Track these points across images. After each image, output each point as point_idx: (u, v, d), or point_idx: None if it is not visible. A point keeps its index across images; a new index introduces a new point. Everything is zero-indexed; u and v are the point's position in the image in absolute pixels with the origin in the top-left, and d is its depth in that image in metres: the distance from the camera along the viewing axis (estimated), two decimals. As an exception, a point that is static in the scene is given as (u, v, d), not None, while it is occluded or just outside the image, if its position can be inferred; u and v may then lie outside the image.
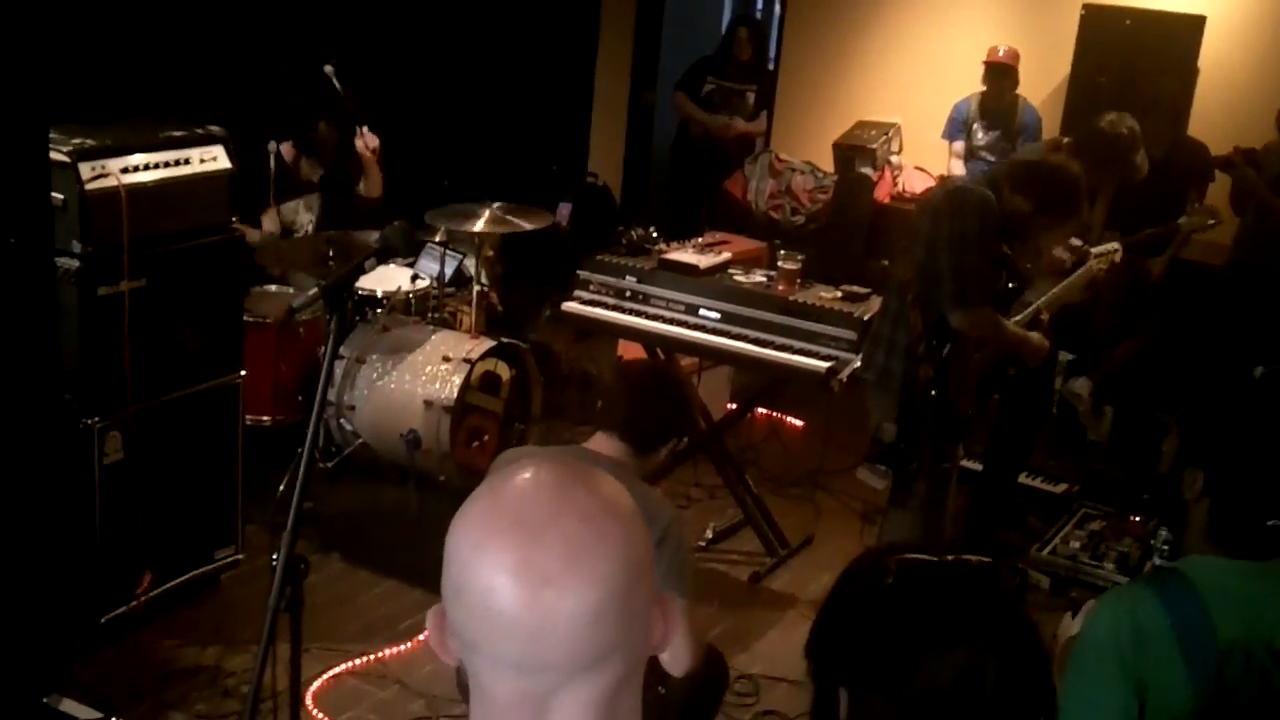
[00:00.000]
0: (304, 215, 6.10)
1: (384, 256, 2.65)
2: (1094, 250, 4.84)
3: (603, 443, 3.17)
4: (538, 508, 1.13)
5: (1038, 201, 4.14)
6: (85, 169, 4.00)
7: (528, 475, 1.17)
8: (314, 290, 2.70)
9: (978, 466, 5.65)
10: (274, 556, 2.44)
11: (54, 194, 3.91)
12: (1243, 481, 2.23)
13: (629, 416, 3.16)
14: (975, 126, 7.48)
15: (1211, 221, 5.82)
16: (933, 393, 4.10)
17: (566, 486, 1.15)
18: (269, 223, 5.93)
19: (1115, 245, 4.87)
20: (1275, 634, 2.18)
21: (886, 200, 7.90)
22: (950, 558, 1.47)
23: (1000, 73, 7.32)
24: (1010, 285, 4.39)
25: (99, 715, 2.78)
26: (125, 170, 4.12)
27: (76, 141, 4.04)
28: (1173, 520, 2.40)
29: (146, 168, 4.20)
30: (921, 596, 1.45)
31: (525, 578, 1.10)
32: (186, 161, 4.35)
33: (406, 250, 2.83)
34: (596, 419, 3.25)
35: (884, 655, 1.43)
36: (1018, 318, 4.39)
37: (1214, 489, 2.24)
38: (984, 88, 7.40)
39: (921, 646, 1.42)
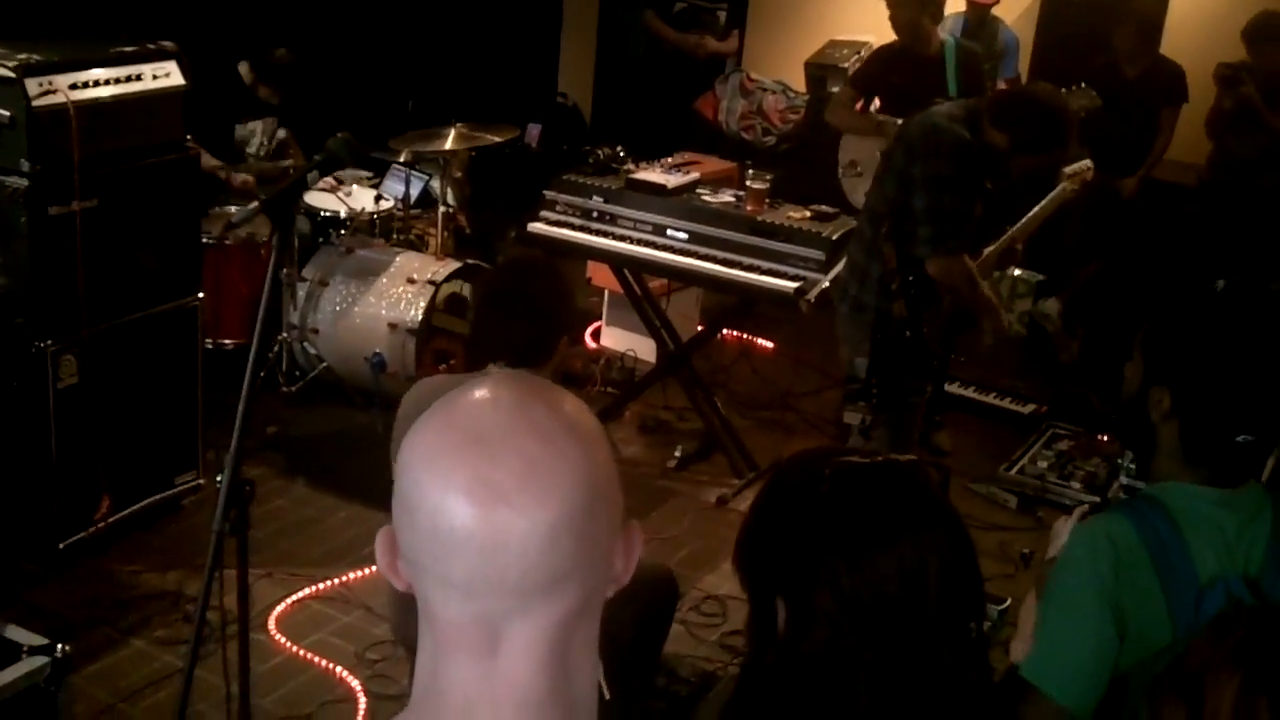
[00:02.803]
0: (258, 138, 5.98)
1: (327, 168, 2.57)
2: (1065, 170, 4.75)
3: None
4: (495, 424, 1.08)
5: (1014, 138, 3.98)
6: (32, 85, 3.90)
7: (485, 392, 1.12)
8: (254, 204, 2.61)
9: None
10: (218, 479, 2.39)
11: (0, 110, 3.83)
12: (1211, 396, 2.17)
13: (504, 336, 2.85)
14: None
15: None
16: (907, 333, 4.03)
17: (526, 403, 1.10)
18: (239, 180, 5.74)
19: (1087, 163, 4.75)
20: (1249, 563, 2.15)
21: (859, 120, 7.79)
22: (879, 459, 1.45)
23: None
24: (983, 215, 4.32)
25: (45, 641, 2.74)
26: (74, 86, 4.01)
27: (22, 57, 3.93)
28: (1139, 444, 2.34)
29: (97, 84, 4.09)
30: (861, 497, 1.43)
31: (478, 495, 1.05)
32: (139, 78, 4.24)
33: (351, 161, 2.73)
34: (480, 353, 2.89)
35: (827, 559, 1.41)
36: (991, 248, 4.32)
37: (1182, 407, 2.20)
38: (964, 7, 7.26)
39: (866, 546, 1.40)
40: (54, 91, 3.94)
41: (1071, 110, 4.17)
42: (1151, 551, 2.13)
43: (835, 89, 7.71)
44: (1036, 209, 4.56)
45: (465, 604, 1.09)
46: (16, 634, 2.76)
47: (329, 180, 5.76)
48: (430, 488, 1.07)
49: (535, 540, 1.06)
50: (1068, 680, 2.14)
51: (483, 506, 1.05)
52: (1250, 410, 2.17)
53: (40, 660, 2.68)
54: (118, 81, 4.17)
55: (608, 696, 1.17)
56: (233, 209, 5.72)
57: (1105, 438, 5.53)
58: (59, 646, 2.72)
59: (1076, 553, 2.19)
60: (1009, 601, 4.29)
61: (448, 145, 5.59)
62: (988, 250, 4.29)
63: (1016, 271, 6.47)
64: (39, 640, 2.73)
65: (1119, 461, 4.85)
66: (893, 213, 4.05)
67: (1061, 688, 2.13)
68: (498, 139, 5.67)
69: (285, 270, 5.45)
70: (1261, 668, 1.27)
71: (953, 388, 5.95)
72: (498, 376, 1.17)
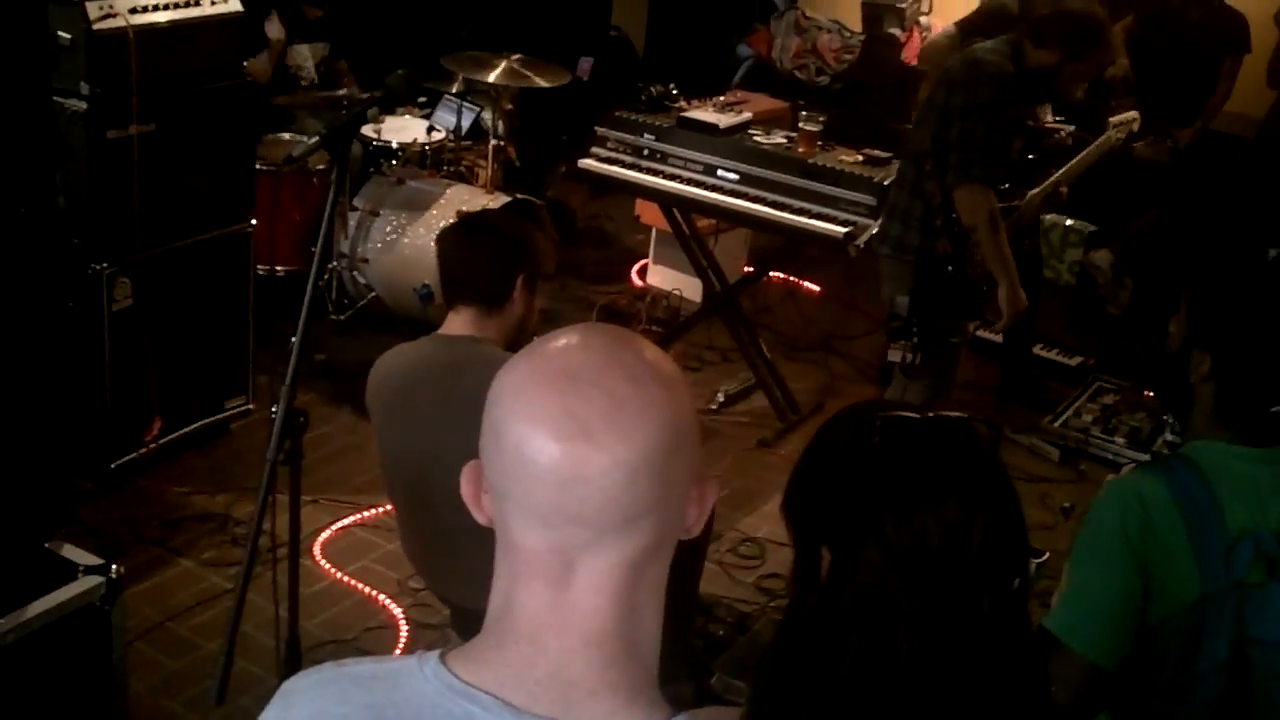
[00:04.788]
0: (309, 61, 5.97)
1: (387, 104, 2.59)
2: (1112, 120, 4.70)
3: (455, 322, 3.08)
4: (585, 364, 1.13)
5: (1060, 48, 4.03)
6: (92, 8, 3.92)
7: (576, 336, 1.17)
8: (315, 139, 2.63)
9: (997, 338, 5.59)
10: (273, 409, 2.43)
11: (60, 33, 3.86)
12: (1250, 366, 2.17)
13: (463, 279, 3.06)
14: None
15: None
16: (949, 268, 4.02)
17: (615, 348, 1.15)
18: (273, 30, 5.72)
19: (1134, 114, 4.70)
20: None
21: (914, 62, 7.71)
22: (930, 414, 1.45)
23: None
24: (1030, 156, 4.28)
25: (99, 561, 2.79)
26: (134, 10, 4.03)
27: (83, -20, 3.94)
28: (1176, 402, 2.35)
29: (155, 8, 4.10)
30: (909, 452, 1.43)
31: (564, 427, 1.09)
32: (196, 2, 4.25)
33: (409, 97, 2.75)
34: (444, 300, 3.14)
35: (874, 511, 1.42)
36: (1035, 190, 4.29)
37: (1220, 373, 2.19)
38: None
39: (913, 501, 1.41)
40: (114, 15, 3.96)
41: (1102, 11, 4.16)
42: (1182, 509, 2.15)
43: (892, 29, 7.63)
44: (1082, 154, 4.54)
45: (543, 533, 1.12)
46: (73, 553, 2.82)
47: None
48: (518, 418, 1.11)
49: (616, 477, 1.10)
50: (1093, 634, 2.17)
51: (568, 440, 1.09)
52: None
53: (95, 579, 2.73)
54: (175, 6, 4.18)
55: None
56: (286, 135, 5.75)
57: (1151, 393, 5.50)
58: (113, 566, 2.78)
59: (1107, 509, 2.21)
60: (1047, 555, 4.29)
61: (496, 77, 5.55)
62: (1031, 193, 4.27)
63: (1069, 221, 6.43)
64: (94, 560, 2.79)
65: (1164, 418, 4.84)
66: (935, 150, 4.04)
67: (1087, 641, 2.17)
68: (544, 83, 5.63)
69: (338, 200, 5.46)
70: None
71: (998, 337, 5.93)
72: (587, 325, 1.22)
